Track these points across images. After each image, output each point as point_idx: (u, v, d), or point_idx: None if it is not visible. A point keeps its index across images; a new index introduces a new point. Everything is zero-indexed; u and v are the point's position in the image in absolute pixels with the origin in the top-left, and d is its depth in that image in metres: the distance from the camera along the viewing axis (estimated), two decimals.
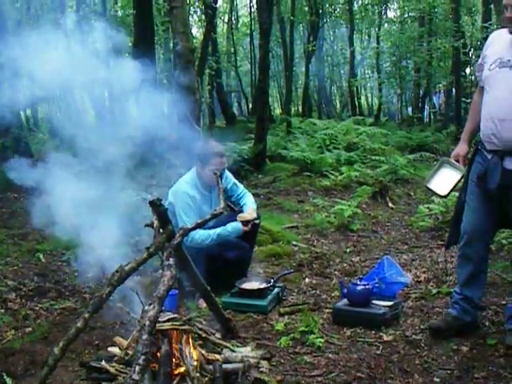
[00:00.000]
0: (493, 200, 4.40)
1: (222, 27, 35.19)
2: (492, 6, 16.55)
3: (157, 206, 3.67)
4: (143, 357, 3.14)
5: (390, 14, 33.51)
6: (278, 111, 34.90)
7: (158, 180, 11.55)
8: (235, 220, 5.72)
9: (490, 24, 18.08)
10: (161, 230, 3.81)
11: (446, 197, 4.95)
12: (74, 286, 6.24)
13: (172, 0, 7.34)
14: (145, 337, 3.22)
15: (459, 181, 4.63)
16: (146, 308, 3.38)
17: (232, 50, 30.51)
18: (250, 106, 29.91)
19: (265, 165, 13.48)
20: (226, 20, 33.67)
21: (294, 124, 18.98)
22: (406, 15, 24.99)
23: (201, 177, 5.70)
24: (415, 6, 20.71)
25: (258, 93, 14.29)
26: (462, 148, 4.68)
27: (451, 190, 4.67)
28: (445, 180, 4.66)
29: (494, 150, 4.28)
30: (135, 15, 14.34)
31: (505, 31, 4.37)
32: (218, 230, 5.57)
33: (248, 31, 30.12)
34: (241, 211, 5.95)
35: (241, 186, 6.13)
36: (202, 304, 5.25)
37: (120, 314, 4.90)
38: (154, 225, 3.85)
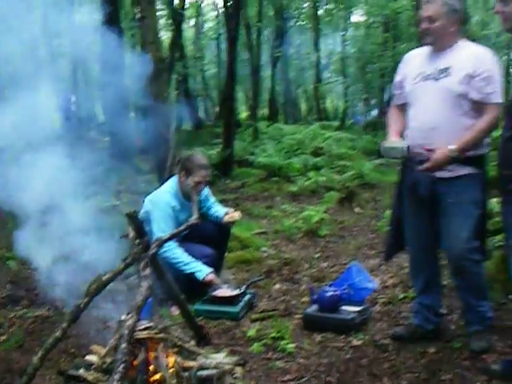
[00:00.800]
0: (428, 209, 4.56)
1: (187, 31, 35.24)
2: None
3: (133, 218, 3.77)
4: (123, 365, 3.24)
5: (355, 19, 33.85)
6: (243, 115, 34.99)
7: (126, 185, 11.63)
8: (208, 227, 5.87)
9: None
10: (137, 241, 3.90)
11: (407, 152, 4.43)
12: (45, 293, 6.26)
13: (142, 10, 7.43)
14: (124, 345, 3.33)
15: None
16: (124, 318, 3.48)
17: (198, 54, 30.60)
18: (217, 109, 30.04)
19: (232, 170, 13.62)
20: (192, 24, 33.76)
21: (261, 129, 19.08)
22: (370, 20, 25.26)
23: (183, 186, 5.79)
24: (380, 12, 20.97)
25: (225, 99, 14.42)
26: (394, 136, 4.63)
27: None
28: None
29: (424, 160, 4.38)
30: (102, 20, 14.31)
31: (419, 50, 4.65)
32: (190, 262, 5.63)
33: (214, 35, 30.25)
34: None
35: (212, 198, 6.25)
36: (175, 311, 5.35)
37: (94, 321, 4.98)
38: (130, 235, 3.95)
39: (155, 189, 6.33)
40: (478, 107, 4.32)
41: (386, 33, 21.91)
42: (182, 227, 4.20)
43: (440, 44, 4.43)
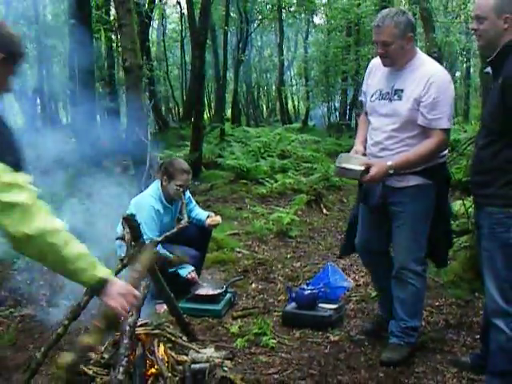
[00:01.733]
0: (379, 217, 4.78)
1: (150, 33, 35.22)
2: (417, 16, 17.24)
3: (130, 221, 4.00)
4: (126, 359, 3.48)
5: (317, 21, 34.15)
6: (205, 116, 34.94)
7: (97, 188, 11.74)
8: (190, 229, 6.09)
9: (415, 34, 18.82)
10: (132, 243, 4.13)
11: (361, 175, 4.47)
12: (29, 293, 6.43)
13: (120, 18, 7.62)
14: (126, 341, 3.56)
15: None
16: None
17: (162, 56, 30.67)
18: (181, 110, 30.11)
19: (200, 172, 13.80)
20: (156, 26, 33.83)
21: (227, 131, 19.22)
22: (332, 22, 25.47)
23: (165, 190, 6.01)
24: (343, 16, 21.26)
25: (194, 102, 14.60)
26: (359, 148, 4.78)
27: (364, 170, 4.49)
28: (355, 162, 4.57)
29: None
30: (73, 24, 14.35)
31: None
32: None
33: (178, 37, 30.32)
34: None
35: (193, 201, 6.50)
36: (160, 309, 5.60)
37: (84, 320, 5.18)
38: (126, 238, 4.18)
39: (137, 192, 6.57)
40: (426, 131, 4.46)
41: (349, 36, 22.25)
42: (175, 229, 4.45)
43: (399, 63, 4.53)
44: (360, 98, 5.12)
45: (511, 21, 3.76)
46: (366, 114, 4.93)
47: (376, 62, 4.85)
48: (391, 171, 4.39)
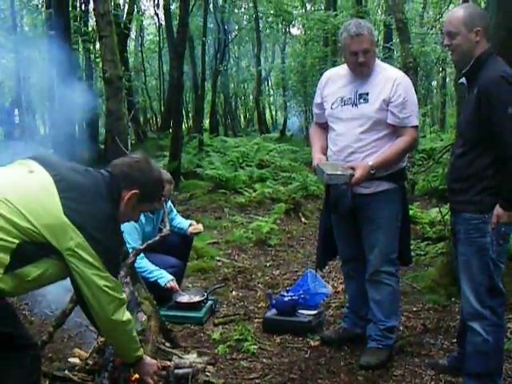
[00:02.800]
0: (351, 224, 4.87)
1: (128, 43, 35.24)
2: (393, 26, 17.37)
3: None
4: (110, 364, 3.56)
5: (294, 31, 34.34)
6: (183, 126, 34.89)
7: None
8: (172, 238, 6.15)
9: (391, 44, 19.00)
10: None
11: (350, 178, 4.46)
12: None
13: (101, 30, 7.71)
14: (111, 347, 3.64)
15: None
16: None
17: (140, 66, 30.70)
18: (159, 121, 30.12)
19: (179, 182, 13.86)
20: (133, 37, 33.85)
21: (205, 141, 19.20)
22: (309, 33, 25.54)
23: None
24: (320, 27, 21.34)
25: (172, 113, 14.65)
26: (320, 156, 4.80)
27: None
28: (337, 167, 4.59)
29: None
30: (52, 35, 14.31)
31: (337, 70, 4.90)
32: (153, 271, 5.82)
33: (156, 48, 30.38)
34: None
35: (175, 210, 6.57)
36: (141, 317, 5.65)
37: (67, 328, 5.23)
38: None
39: None
40: (396, 130, 4.62)
41: (326, 47, 22.35)
42: (157, 238, 4.53)
43: (370, 70, 4.69)
44: (314, 111, 5.13)
45: (482, 33, 3.90)
46: (318, 124, 5.04)
47: (331, 73, 4.97)
48: (373, 171, 4.50)
